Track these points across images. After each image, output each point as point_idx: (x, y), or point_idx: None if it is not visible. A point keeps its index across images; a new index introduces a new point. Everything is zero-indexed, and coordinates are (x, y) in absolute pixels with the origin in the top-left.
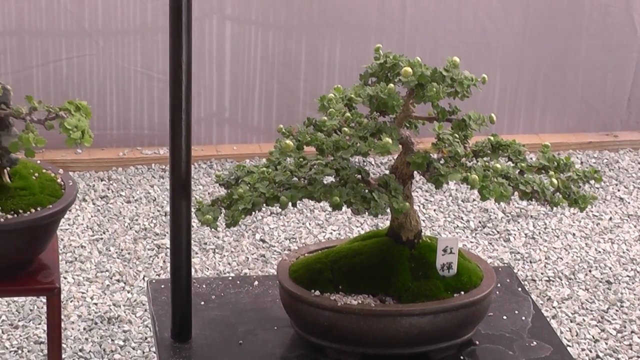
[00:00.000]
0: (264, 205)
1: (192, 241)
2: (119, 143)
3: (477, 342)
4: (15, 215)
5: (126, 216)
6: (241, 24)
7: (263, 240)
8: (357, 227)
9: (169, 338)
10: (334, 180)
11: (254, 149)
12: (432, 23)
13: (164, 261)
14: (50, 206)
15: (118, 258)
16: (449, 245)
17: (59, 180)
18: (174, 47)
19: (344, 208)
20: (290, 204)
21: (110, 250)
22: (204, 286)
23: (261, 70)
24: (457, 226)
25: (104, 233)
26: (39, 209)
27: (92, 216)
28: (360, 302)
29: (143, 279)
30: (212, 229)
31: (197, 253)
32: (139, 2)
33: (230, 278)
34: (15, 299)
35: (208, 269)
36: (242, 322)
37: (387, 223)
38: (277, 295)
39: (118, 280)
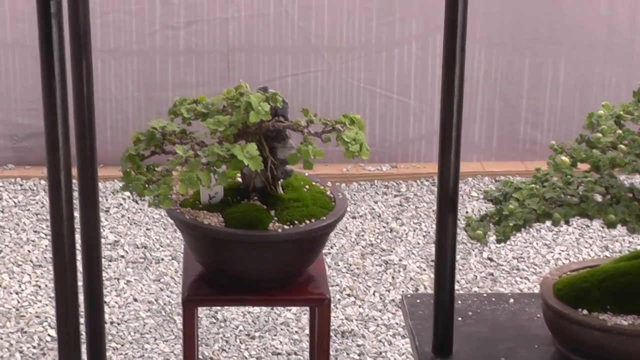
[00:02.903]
0: (535, 221)
1: (420, 257)
2: (341, 159)
3: None
4: (291, 226)
5: (352, 231)
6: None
7: (490, 259)
8: (585, 248)
9: (430, 352)
10: (604, 198)
11: (476, 167)
12: None
13: (393, 277)
14: (324, 218)
15: (347, 273)
16: None
17: (328, 193)
18: (447, 59)
19: (570, 228)
20: (562, 221)
21: (339, 265)
22: (459, 302)
23: (483, 87)
24: None
25: (332, 248)
26: (313, 220)
27: None
28: (630, 322)
29: (373, 294)
30: (483, 244)
31: (424, 270)
32: (364, 19)
33: (485, 295)
34: (251, 309)
35: None
36: (501, 339)
37: (617, 245)
38: (535, 313)
39: (348, 295)
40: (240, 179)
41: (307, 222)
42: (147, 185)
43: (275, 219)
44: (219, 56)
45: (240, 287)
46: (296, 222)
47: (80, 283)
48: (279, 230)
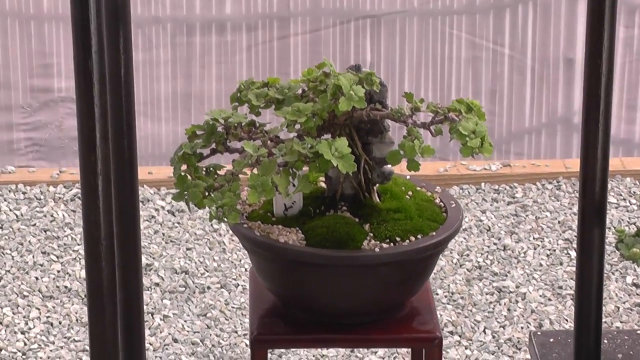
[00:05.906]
0: None
1: (544, 283)
2: (437, 153)
3: None
4: (392, 244)
5: (454, 250)
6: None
7: (637, 285)
8: None
9: None
10: None
11: (615, 164)
12: None
13: (508, 309)
14: (433, 233)
15: (449, 304)
16: None
17: (436, 201)
18: (591, 29)
19: None
20: None
21: (437, 294)
22: (605, 341)
23: (622, 61)
24: None
25: None
26: (419, 236)
27: None
28: None
29: (483, 331)
30: None
31: (549, 299)
32: None
33: (638, 332)
34: (325, 351)
35: (567, 320)
36: None
37: None
38: None
39: (451, 332)
40: (324, 184)
41: (412, 238)
42: (207, 194)
43: (371, 235)
44: None
45: (325, 324)
46: (398, 239)
47: None
48: (376, 249)
